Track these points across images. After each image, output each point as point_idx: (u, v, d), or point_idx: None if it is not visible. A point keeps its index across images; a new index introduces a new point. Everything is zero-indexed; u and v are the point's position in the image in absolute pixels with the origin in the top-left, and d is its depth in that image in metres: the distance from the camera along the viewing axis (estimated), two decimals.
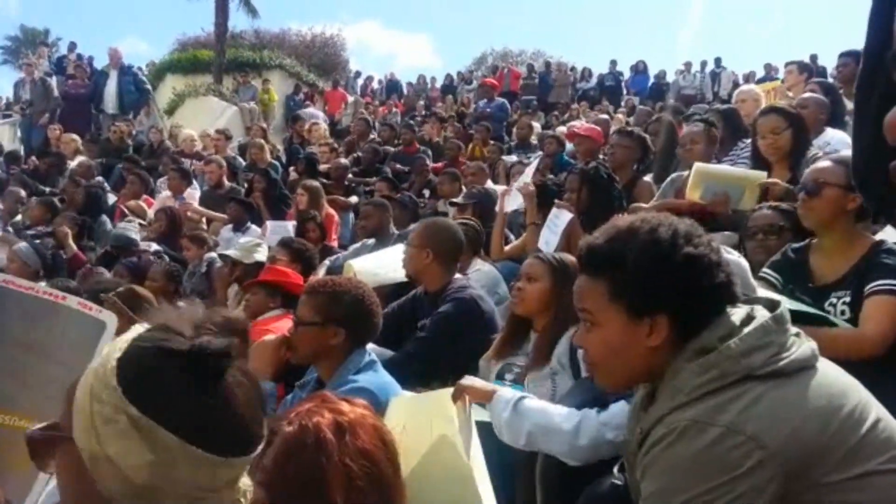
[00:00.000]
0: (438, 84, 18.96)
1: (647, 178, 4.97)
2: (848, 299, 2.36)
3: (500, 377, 2.68)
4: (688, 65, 16.71)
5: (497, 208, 4.81)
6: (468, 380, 2.16)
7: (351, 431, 1.37)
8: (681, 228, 1.41)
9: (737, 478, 1.22)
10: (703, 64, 16.68)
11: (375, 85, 19.61)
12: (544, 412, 2.01)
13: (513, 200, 4.76)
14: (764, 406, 1.26)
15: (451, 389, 2.07)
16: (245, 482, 1.02)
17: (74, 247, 5.78)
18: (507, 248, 4.52)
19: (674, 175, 4.41)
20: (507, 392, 2.10)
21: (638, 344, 1.41)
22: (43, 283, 4.66)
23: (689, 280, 1.38)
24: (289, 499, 1.28)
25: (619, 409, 1.95)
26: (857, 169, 0.85)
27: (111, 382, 0.92)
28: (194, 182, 7.81)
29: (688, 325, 1.39)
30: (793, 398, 1.28)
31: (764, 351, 1.32)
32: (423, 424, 1.88)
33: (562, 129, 9.24)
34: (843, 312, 2.36)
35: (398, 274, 3.82)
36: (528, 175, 4.93)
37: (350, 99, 15.71)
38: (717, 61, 16.65)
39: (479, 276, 3.83)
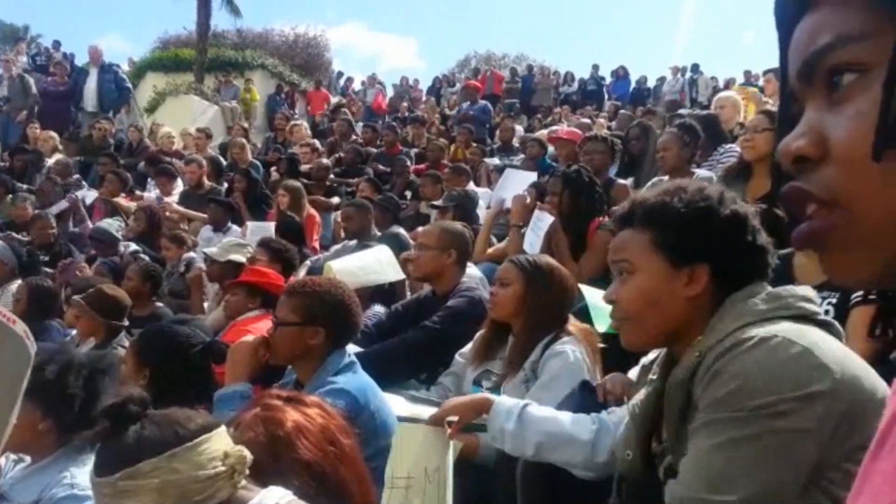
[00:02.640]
0: (421, 86, 18.96)
1: (628, 181, 5.02)
2: (834, 300, 2.43)
3: (476, 384, 2.67)
4: (675, 69, 16.82)
5: (488, 210, 4.85)
6: (453, 401, 2.00)
7: (288, 445, 1.35)
8: (727, 193, 1.46)
9: (813, 396, 1.19)
10: (683, 70, 16.78)
11: (357, 86, 19.55)
12: (555, 420, 1.86)
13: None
14: (831, 346, 1.26)
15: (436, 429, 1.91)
16: (237, 451, 1.22)
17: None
18: (490, 250, 4.53)
19: (654, 180, 4.44)
20: (506, 400, 1.93)
21: (675, 293, 1.42)
22: (18, 282, 4.69)
23: (733, 234, 1.41)
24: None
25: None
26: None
27: (108, 492, 1.19)
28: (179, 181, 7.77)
29: (727, 280, 1.41)
30: (849, 351, 1.28)
31: (812, 303, 1.35)
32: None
33: (543, 132, 9.28)
34: (826, 312, 2.43)
35: (379, 276, 3.82)
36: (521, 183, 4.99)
37: (333, 100, 15.66)
38: (695, 67, 16.75)
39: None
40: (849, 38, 0.49)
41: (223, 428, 1.27)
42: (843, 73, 0.50)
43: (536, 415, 1.86)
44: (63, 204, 6.95)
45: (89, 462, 1.93)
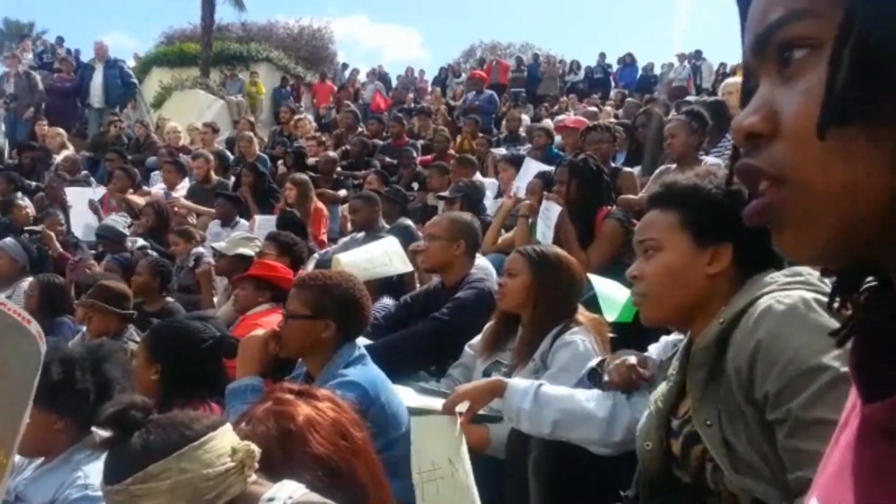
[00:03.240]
0: (427, 77, 18.92)
1: (635, 169, 5.02)
2: None
3: (486, 375, 2.67)
4: (681, 56, 16.74)
5: (504, 200, 4.87)
6: (465, 387, 2.02)
7: (300, 440, 1.36)
8: None
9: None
10: (690, 57, 16.66)
11: (363, 77, 19.49)
12: (571, 397, 1.89)
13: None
14: None
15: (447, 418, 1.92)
16: (245, 447, 1.23)
17: (59, 247, 5.74)
18: (498, 241, 4.53)
19: (661, 168, 4.43)
20: (520, 381, 1.97)
21: (697, 271, 1.48)
22: (29, 279, 4.72)
23: None
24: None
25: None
26: None
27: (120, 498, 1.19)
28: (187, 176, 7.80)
29: (747, 263, 1.46)
30: None
31: (826, 284, 1.38)
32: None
33: (548, 122, 9.25)
34: None
35: (387, 268, 3.82)
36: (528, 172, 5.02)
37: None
38: (698, 54, 16.65)
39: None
40: (800, 13, 0.49)
41: (228, 425, 1.28)
42: (794, 49, 0.50)
43: (552, 393, 1.89)
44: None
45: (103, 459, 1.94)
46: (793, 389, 1.23)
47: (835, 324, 1.21)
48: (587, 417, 1.83)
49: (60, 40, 17.18)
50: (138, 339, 3.36)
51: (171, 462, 1.18)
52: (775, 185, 0.51)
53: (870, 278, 0.55)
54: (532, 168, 5.39)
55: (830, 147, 0.46)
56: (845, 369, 1.18)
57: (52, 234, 5.77)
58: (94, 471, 1.88)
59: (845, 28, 0.45)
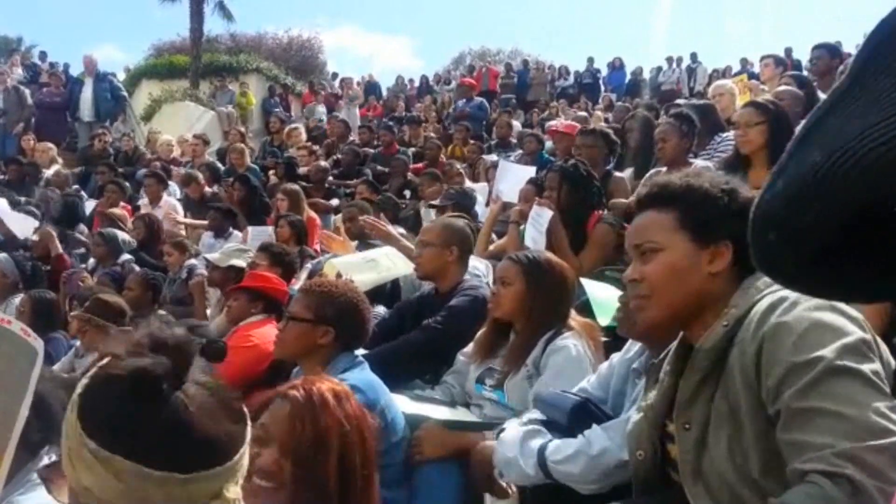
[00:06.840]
0: (417, 85, 18.93)
1: (625, 173, 5.03)
2: None
3: (479, 381, 2.67)
4: (669, 59, 16.84)
5: (489, 206, 4.87)
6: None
7: (345, 397, 1.63)
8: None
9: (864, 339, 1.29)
10: (679, 60, 16.78)
11: (355, 86, 19.46)
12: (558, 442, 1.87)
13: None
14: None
15: None
16: (235, 491, 0.98)
17: (59, 247, 5.66)
18: (490, 247, 4.53)
19: (652, 171, 4.44)
20: (510, 431, 1.97)
21: (699, 270, 1.47)
22: (21, 295, 4.69)
23: None
24: (297, 451, 1.50)
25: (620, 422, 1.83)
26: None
27: (72, 418, 0.94)
28: (174, 188, 7.74)
29: (747, 262, 1.45)
30: None
31: None
32: None
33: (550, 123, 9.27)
34: None
35: (393, 271, 3.87)
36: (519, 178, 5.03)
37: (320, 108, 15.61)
38: (693, 56, 16.76)
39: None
40: None
41: (246, 446, 1.04)
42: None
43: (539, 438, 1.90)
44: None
45: (33, 490, 1.71)
46: (788, 382, 1.26)
47: (836, 319, 1.25)
48: (574, 453, 1.81)
49: (44, 55, 17.18)
50: None
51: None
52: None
53: None
54: (509, 170, 5.40)
55: None
56: (840, 362, 1.22)
57: (53, 233, 5.71)
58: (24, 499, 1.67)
59: None
